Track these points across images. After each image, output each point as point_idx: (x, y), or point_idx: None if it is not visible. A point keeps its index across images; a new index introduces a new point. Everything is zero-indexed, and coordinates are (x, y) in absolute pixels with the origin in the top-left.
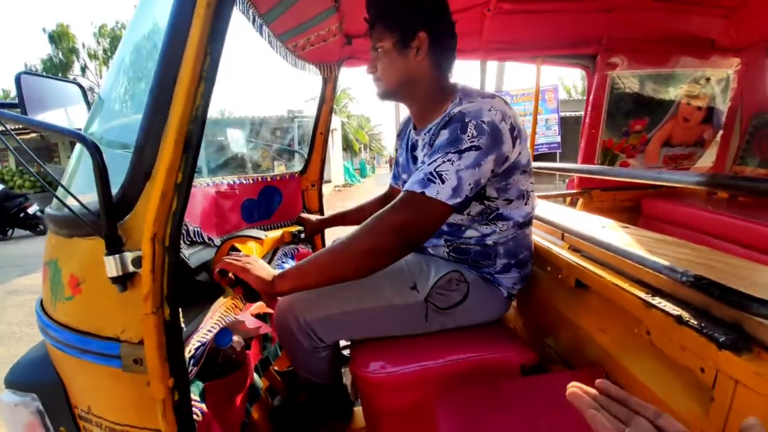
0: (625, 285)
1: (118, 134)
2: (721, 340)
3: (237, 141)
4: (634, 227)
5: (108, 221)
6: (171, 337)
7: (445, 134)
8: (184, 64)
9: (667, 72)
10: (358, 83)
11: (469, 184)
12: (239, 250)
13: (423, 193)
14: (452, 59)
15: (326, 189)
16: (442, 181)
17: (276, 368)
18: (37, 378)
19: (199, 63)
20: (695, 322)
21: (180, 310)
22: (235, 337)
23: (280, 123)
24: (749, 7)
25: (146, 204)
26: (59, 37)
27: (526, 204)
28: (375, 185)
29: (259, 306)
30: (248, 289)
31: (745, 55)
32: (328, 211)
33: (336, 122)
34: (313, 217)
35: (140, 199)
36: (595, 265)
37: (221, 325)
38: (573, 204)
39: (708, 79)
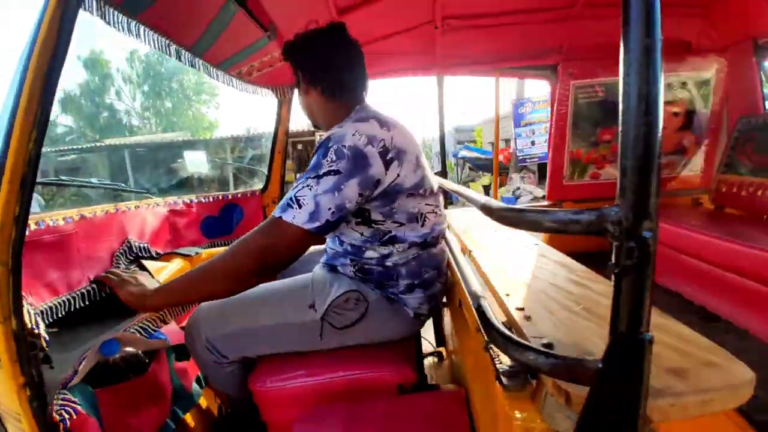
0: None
1: None
2: (500, 369)
3: (198, 162)
4: (545, 245)
5: None
6: (20, 344)
7: (313, 159)
8: (19, 112)
9: None
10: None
11: (329, 209)
12: (145, 268)
13: (281, 217)
14: (350, 86)
15: None
16: (300, 206)
17: None
18: None
19: (31, 113)
20: (495, 350)
21: (38, 321)
22: (129, 349)
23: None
24: (729, 3)
25: None
26: (93, 64)
27: (422, 226)
28: None
29: None
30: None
31: (730, 54)
32: None
33: None
34: None
35: None
36: (475, 283)
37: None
38: None
39: (684, 84)
